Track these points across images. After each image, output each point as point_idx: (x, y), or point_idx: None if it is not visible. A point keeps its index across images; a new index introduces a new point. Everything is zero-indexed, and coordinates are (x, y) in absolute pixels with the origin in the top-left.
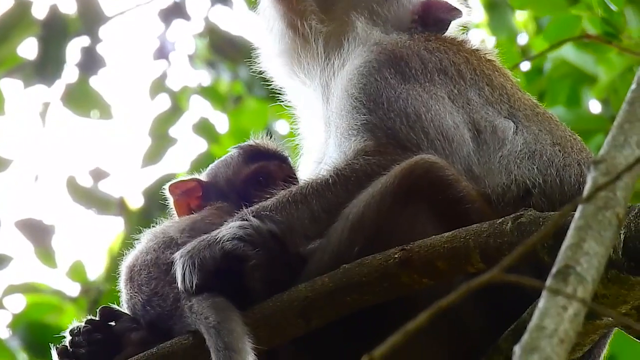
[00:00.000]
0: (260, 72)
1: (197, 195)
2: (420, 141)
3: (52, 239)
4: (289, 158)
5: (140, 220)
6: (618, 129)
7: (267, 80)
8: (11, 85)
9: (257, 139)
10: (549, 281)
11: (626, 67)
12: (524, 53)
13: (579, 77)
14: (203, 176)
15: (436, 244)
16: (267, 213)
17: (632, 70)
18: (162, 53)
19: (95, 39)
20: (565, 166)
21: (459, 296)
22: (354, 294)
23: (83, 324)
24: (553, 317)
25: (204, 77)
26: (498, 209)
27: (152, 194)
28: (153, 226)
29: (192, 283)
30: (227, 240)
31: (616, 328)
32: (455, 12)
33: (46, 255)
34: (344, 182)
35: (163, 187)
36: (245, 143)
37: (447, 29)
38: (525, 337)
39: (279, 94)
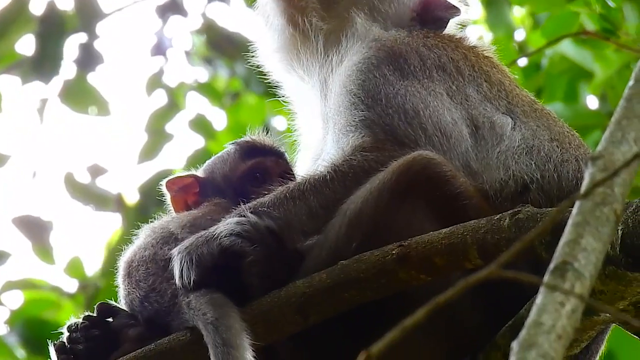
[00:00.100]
0: (258, 67)
1: (194, 192)
2: (418, 137)
3: (50, 235)
4: (286, 154)
5: (137, 216)
6: (616, 125)
7: (265, 77)
8: (9, 82)
9: (254, 135)
10: (546, 277)
11: (624, 64)
12: (522, 49)
13: (577, 73)
14: (200, 172)
15: (434, 240)
16: (265, 209)
17: (629, 66)
18: (159, 49)
19: (93, 36)
20: (563, 162)
21: (457, 292)
22: (352, 290)
23: (80, 320)
24: (551, 313)
25: (201, 73)
26: (496, 204)
27: (149, 189)
28: (151, 222)
29: (190, 279)
30: (225, 237)
31: (614, 324)
32: (453, 10)
33: (44, 251)
34: (341, 178)
35: (160, 183)
36: (242, 139)
37: (445, 27)
38: (523, 333)
39: (277, 90)
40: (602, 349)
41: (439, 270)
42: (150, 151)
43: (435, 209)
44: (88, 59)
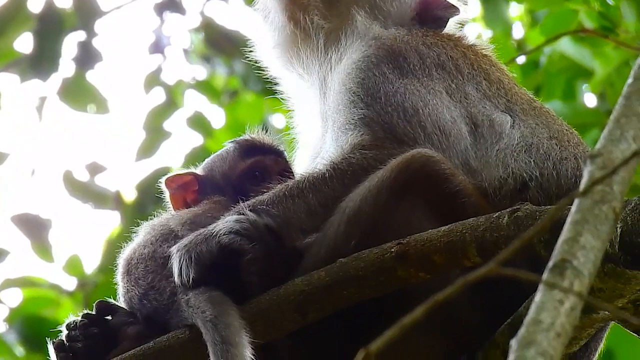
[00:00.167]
0: (256, 65)
1: (193, 189)
2: (417, 135)
3: (49, 233)
4: (285, 152)
5: (135, 213)
6: (614, 123)
7: (263, 74)
8: (8, 80)
9: (253, 134)
10: (545, 275)
11: (622, 61)
12: (520, 47)
13: (576, 71)
14: (199, 170)
15: (433, 238)
16: (264, 207)
17: (628, 64)
18: (157, 47)
19: (91, 34)
20: (562, 159)
21: (456, 290)
22: (351, 288)
23: (79, 318)
24: (550, 311)
25: (200, 71)
26: (495, 202)
27: (147, 187)
28: (149, 219)
29: (189, 277)
30: (224, 234)
31: (613, 322)
32: (452, 10)
33: (43, 249)
34: (340, 176)
35: (158, 180)
36: (241, 137)
37: (445, 27)
38: (522, 331)
39: (275, 87)
40: (601, 346)
41: (437, 268)
42: (148, 149)
43: (434, 207)
44: (87, 57)
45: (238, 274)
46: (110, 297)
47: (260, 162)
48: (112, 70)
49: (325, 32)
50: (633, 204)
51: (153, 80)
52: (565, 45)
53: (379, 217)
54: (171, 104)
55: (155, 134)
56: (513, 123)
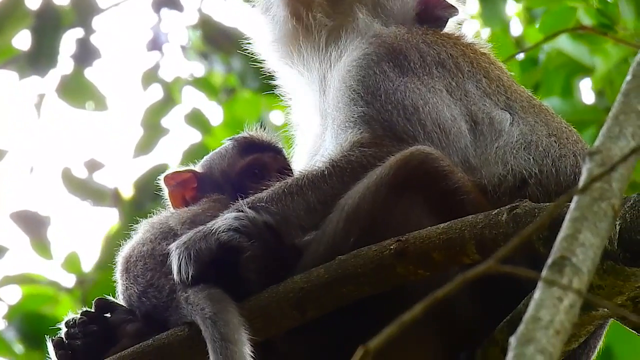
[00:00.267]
0: (255, 61)
1: (192, 187)
2: (417, 133)
3: (48, 230)
4: (284, 149)
5: (133, 210)
6: (613, 120)
7: (261, 72)
8: (6, 77)
9: (252, 131)
10: (544, 272)
11: (621, 58)
12: (518, 44)
13: (574, 68)
14: (198, 167)
15: (432, 235)
16: (263, 204)
17: (627, 61)
18: (155, 44)
19: (89, 31)
20: (561, 157)
21: (455, 287)
22: (350, 285)
23: (78, 315)
24: (549, 308)
25: (197, 68)
26: (494, 199)
27: (145, 184)
28: (148, 217)
29: (188, 274)
30: (223, 232)
31: (612, 319)
32: (452, 10)
33: (42, 246)
34: (339, 173)
35: (155, 177)
36: (240, 135)
37: (444, 27)
38: (521, 328)
39: (273, 85)
40: (600, 344)
41: (436, 265)
42: (146, 146)
43: (433, 204)
44: (85, 54)
45: (237, 271)
46: (110, 295)
47: (259, 160)
48: (110, 67)
49: (328, 30)
50: (632, 201)
51: (151, 77)
52: (564, 43)
53: (378, 214)
54: (169, 100)
55: (153, 131)
56: (512, 120)
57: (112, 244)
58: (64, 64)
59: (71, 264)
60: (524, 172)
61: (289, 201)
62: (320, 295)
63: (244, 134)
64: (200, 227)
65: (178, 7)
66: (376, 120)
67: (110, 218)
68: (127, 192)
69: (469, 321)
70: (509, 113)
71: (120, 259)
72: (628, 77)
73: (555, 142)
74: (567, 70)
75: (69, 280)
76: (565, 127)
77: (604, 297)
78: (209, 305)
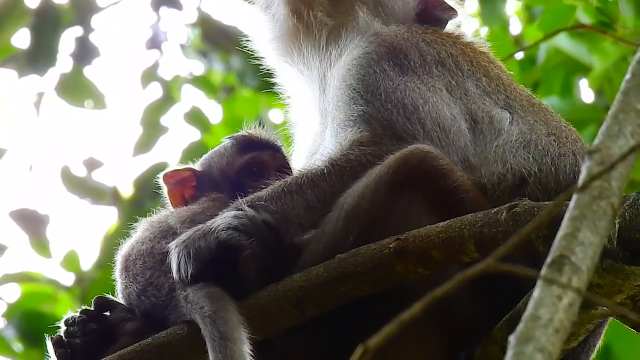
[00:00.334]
0: (254, 59)
1: (191, 185)
2: (416, 132)
3: (47, 228)
4: (283, 148)
5: (132, 209)
6: (612, 119)
7: (260, 70)
8: (5, 75)
9: (251, 129)
10: (543, 271)
11: (620, 57)
12: (517, 43)
13: (573, 67)
14: (197, 166)
15: (431, 233)
16: (262, 203)
17: (626, 59)
18: (154, 43)
19: (88, 29)
20: (561, 155)
21: (454, 286)
22: (349, 283)
23: (78, 314)
24: (548, 306)
25: (197, 66)
26: (494, 197)
27: (144, 182)
28: (146, 215)
29: (187, 273)
30: (222, 230)
31: (611, 317)
32: (451, 12)
33: (41, 244)
34: (338, 172)
35: (155, 176)
36: (239, 133)
37: (444, 28)
38: (520, 326)
39: (272, 83)
40: (600, 342)
41: (436, 264)
42: (145, 144)
43: (432, 203)
44: (84, 52)
45: (236, 269)
46: (109, 293)
47: (258, 158)
48: (110, 66)
49: (329, 29)
50: (631, 200)
51: (150, 75)
52: (562, 41)
53: (377, 212)
54: (168, 99)
55: (152, 129)
56: (512, 119)
57: (111, 242)
58: (63, 62)
59: (70, 262)
60: (524, 170)
61: (288, 200)
62: (320, 294)
63: (243, 132)
64: (200, 226)
65: (177, 5)
66: (376, 119)
67: (109, 216)
68: (126, 191)
69: (468, 320)
70: (509, 112)
71: (119, 257)
72: (627, 76)
73: (554, 141)
74: (566, 69)
75: (68, 279)
76: (564, 126)
77: (604, 295)
78: (208, 304)
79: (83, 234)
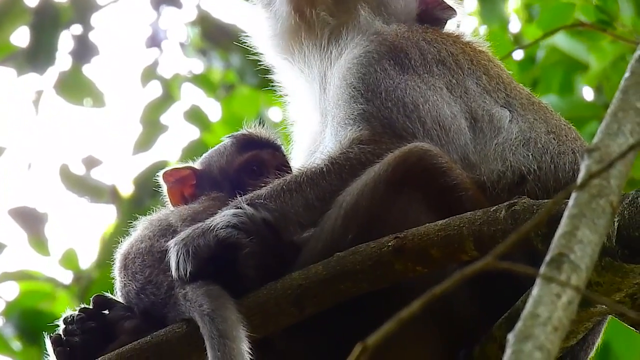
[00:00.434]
0: (253, 57)
1: (191, 184)
2: (416, 130)
3: (45, 226)
4: (282, 146)
5: (132, 207)
6: (612, 117)
7: (260, 68)
8: (4, 74)
9: (250, 128)
10: (542, 269)
11: (619, 55)
12: (517, 42)
13: (572, 65)
14: (197, 164)
15: (430, 231)
16: (261, 201)
17: (625, 58)
18: (154, 41)
19: (88, 27)
20: (560, 154)
21: (453, 284)
22: (348, 282)
23: (77, 312)
24: (547, 305)
25: (196, 64)
26: (493, 195)
27: (144, 181)
28: (146, 214)
29: (186, 271)
30: (221, 228)
31: (610, 316)
32: (451, 12)
33: (39, 243)
34: (338, 170)
35: (155, 174)
36: (239, 132)
37: (443, 28)
38: (519, 325)
39: (272, 81)
40: (599, 340)
41: (435, 262)
42: (145, 142)
43: (431, 201)
44: (83, 50)
45: (235, 267)
46: (108, 292)
47: (258, 156)
48: (109, 64)
49: (331, 28)
50: (630, 198)
51: (150, 73)
52: (560, 40)
53: (376, 211)
54: (168, 97)
55: (152, 128)
56: (512, 117)
57: (111, 241)
58: (62, 60)
59: (69, 260)
60: (523, 168)
61: (287, 198)
62: (319, 292)
63: (243, 131)
64: (199, 224)
65: (177, 3)
66: (376, 118)
67: (107, 215)
68: (125, 189)
69: (468, 318)
70: (508, 110)
71: (118, 255)
72: (626, 74)
73: (554, 139)
74: (565, 68)
75: (66, 277)
76: (564, 125)
77: (603, 293)
78: (207, 302)
79: (82, 232)
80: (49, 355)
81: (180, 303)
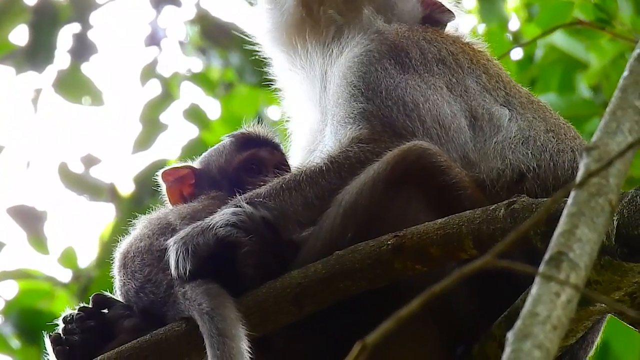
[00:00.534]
0: (253, 55)
1: (190, 183)
2: (416, 129)
3: (44, 225)
4: (281, 145)
5: (132, 206)
6: (611, 115)
7: (259, 66)
8: (3, 72)
9: (249, 127)
10: (541, 267)
11: (618, 53)
12: (516, 41)
13: (570, 64)
14: (196, 164)
15: (429, 230)
16: (261, 200)
17: (623, 56)
18: (153, 39)
19: (87, 26)
20: (559, 152)
21: (452, 282)
22: (347, 280)
23: (76, 311)
24: (546, 303)
25: (195, 63)
26: (492, 193)
27: (143, 180)
28: (146, 213)
29: (186, 269)
30: (221, 227)
31: (609, 314)
32: (450, 15)
33: (38, 241)
34: (337, 169)
35: (154, 173)
36: (237, 131)
37: (443, 30)
38: (518, 323)
39: (271, 80)
40: (598, 339)
41: (434, 261)
42: (144, 141)
43: (431, 199)
44: (82, 49)
45: (235, 266)
46: (107, 290)
47: (256, 155)
48: (108, 63)
49: (336, 27)
50: (629, 197)
51: (149, 72)
52: (559, 38)
53: (375, 209)
54: (167, 96)
55: (151, 126)
56: (511, 116)
57: (110, 239)
58: (61, 58)
59: (68, 259)
60: (522, 166)
61: (286, 196)
62: (318, 291)
63: (242, 130)
64: (198, 223)
65: (176, 2)
66: (376, 117)
67: (107, 213)
68: (124, 188)
69: (467, 316)
70: (508, 109)
71: (117, 254)
72: (625, 73)
73: (553, 137)
74: (563, 66)
75: (65, 276)
76: (563, 123)
77: (602, 292)
78: (207, 301)
79: (81, 231)
80: (48, 354)
81: (179, 302)
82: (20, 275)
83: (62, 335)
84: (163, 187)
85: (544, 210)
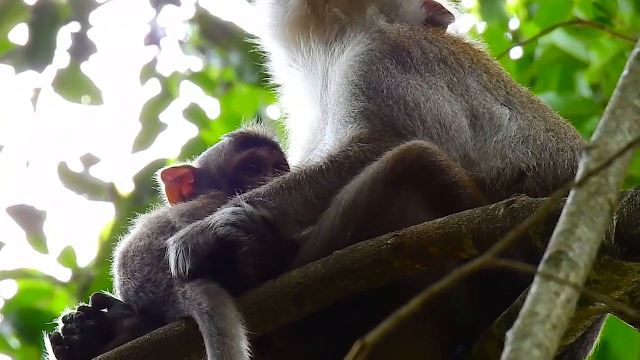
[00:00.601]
0: (252, 53)
1: (189, 182)
2: (416, 129)
3: (44, 224)
4: (280, 144)
5: (131, 205)
6: (610, 114)
7: (258, 66)
8: (2, 71)
9: (248, 126)
10: (541, 267)
11: (618, 52)
12: (515, 40)
13: (570, 63)
14: (195, 163)
15: (429, 229)
16: (260, 199)
17: (623, 55)
18: (152, 39)
19: (86, 25)
20: (559, 151)
21: (451, 282)
22: (347, 280)
23: (75, 310)
24: (545, 302)
25: (195, 62)
26: (492, 192)
27: (143, 179)
28: (146, 212)
29: (185, 269)
30: (220, 226)
31: (609, 314)
32: (450, 17)
33: (37, 240)
34: (337, 168)
35: (154, 172)
36: (237, 130)
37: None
38: (518, 322)
39: (270, 78)
40: (597, 338)
41: (433, 260)
42: (144, 140)
43: (430, 199)
44: (81, 48)
45: (234, 265)
46: (107, 290)
47: (256, 154)
48: (107, 62)
49: (340, 26)
50: (629, 196)
51: (148, 71)
52: (558, 37)
53: (375, 208)
54: (167, 95)
55: (151, 126)
56: (511, 115)
57: (109, 239)
58: (60, 58)
59: (67, 258)
60: (522, 165)
61: (286, 196)
62: (317, 290)
63: (241, 129)
64: (198, 222)
65: (175, 1)
66: (376, 116)
67: (106, 213)
68: (124, 187)
69: (466, 316)
70: (508, 108)
71: (117, 253)
72: (625, 72)
73: (553, 136)
74: (563, 65)
75: (65, 275)
76: (562, 123)
77: (601, 291)
78: (206, 300)
79: (80, 230)
80: (47, 353)
81: (179, 301)
82: (19, 274)
83: (61, 334)
84: (162, 187)
85: (544, 210)
